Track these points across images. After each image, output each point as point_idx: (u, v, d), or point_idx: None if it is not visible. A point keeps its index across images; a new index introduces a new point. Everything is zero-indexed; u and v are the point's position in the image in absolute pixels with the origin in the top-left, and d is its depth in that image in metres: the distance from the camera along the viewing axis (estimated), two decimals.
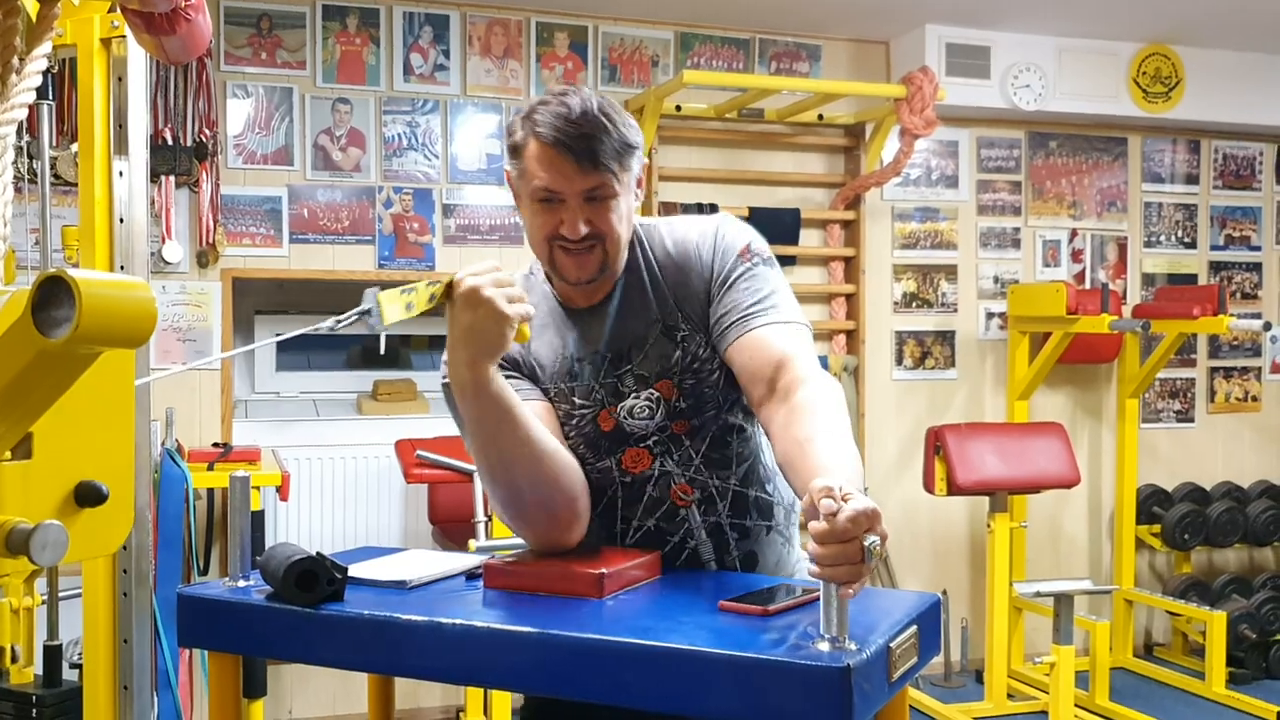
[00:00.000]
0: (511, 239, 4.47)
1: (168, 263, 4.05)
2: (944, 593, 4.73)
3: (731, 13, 4.62)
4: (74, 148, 2.49)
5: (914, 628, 1.39)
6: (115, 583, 2.29)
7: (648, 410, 1.69)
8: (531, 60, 4.54)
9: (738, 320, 1.64)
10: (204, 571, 3.84)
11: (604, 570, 1.50)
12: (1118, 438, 5.11)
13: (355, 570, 1.59)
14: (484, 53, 4.48)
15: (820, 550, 1.22)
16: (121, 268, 2.27)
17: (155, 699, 2.97)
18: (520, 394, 1.62)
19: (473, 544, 3.29)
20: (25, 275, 3.09)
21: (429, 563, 1.69)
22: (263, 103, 4.23)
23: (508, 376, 1.62)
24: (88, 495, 1.25)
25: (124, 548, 2.23)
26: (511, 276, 1.54)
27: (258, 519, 3.58)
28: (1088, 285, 5.18)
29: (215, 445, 3.95)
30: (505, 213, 4.46)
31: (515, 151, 1.65)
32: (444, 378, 1.63)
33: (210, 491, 3.99)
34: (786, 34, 4.83)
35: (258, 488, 3.55)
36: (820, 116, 4.73)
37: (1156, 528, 5.16)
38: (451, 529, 4.00)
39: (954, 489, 4.34)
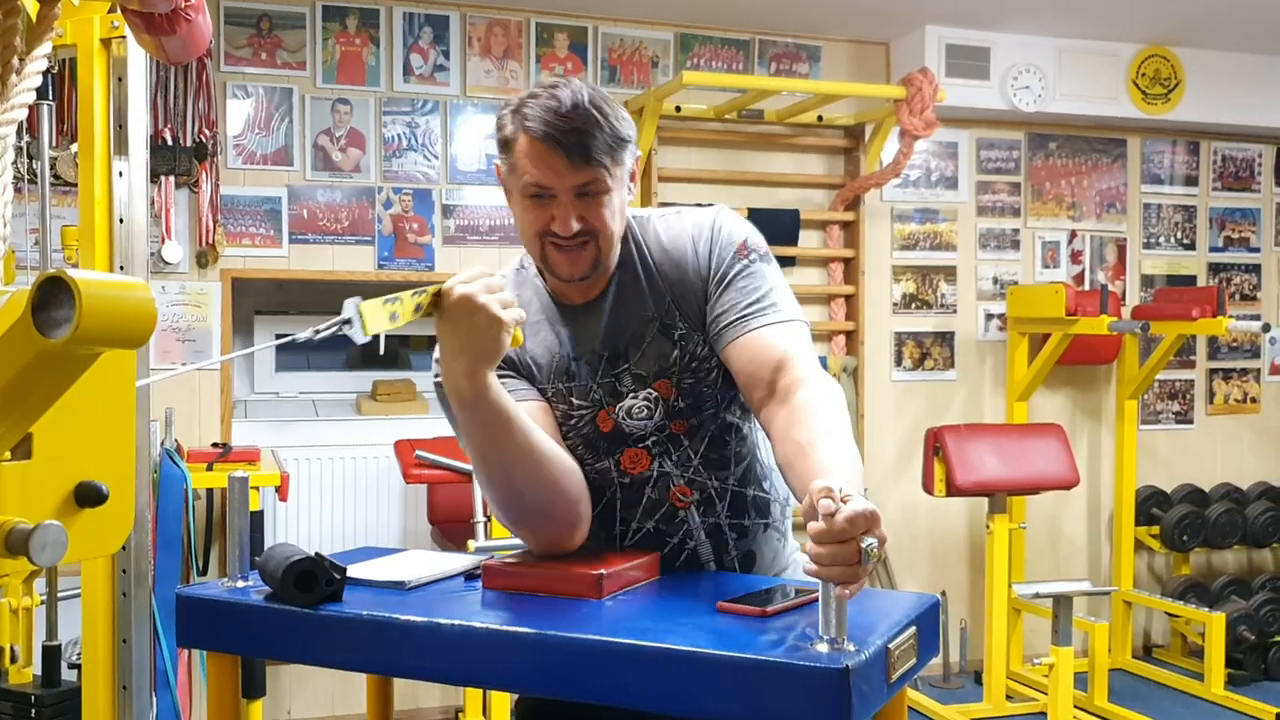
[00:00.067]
0: (511, 239, 4.46)
1: (167, 263, 4.05)
2: (943, 594, 4.73)
3: (731, 14, 4.62)
4: (74, 148, 2.49)
5: (913, 629, 1.39)
6: (114, 583, 2.29)
7: (646, 410, 1.68)
8: (531, 61, 4.54)
9: (736, 320, 1.62)
10: (203, 572, 3.85)
11: (603, 571, 1.51)
12: (1117, 439, 5.11)
13: (354, 571, 1.59)
14: (484, 53, 4.49)
15: (818, 550, 1.22)
16: (121, 268, 2.27)
17: (154, 699, 2.96)
18: (517, 395, 1.61)
19: (472, 544, 3.30)
20: (25, 275, 3.08)
21: (428, 563, 1.69)
22: (262, 103, 4.23)
23: (504, 376, 1.61)
24: (88, 495, 1.25)
25: (123, 548, 2.23)
26: (501, 280, 1.52)
27: (257, 519, 3.58)
28: (1087, 286, 5.18)
29: (214, 445, 3.95)
30: (505, 213, 4.45)
31: (505, 146, 1.61)
32: (436, 377, 1.61)
33: (209, 492, 3.99)
34: (786, 35, 4.83)
35: (257, 488, 3.55)
36: (820, 118, 4.73)
37: (1155, 529, 5.16)
38: (450, 529, 4.00)
39: (953, 490, 4.33)
